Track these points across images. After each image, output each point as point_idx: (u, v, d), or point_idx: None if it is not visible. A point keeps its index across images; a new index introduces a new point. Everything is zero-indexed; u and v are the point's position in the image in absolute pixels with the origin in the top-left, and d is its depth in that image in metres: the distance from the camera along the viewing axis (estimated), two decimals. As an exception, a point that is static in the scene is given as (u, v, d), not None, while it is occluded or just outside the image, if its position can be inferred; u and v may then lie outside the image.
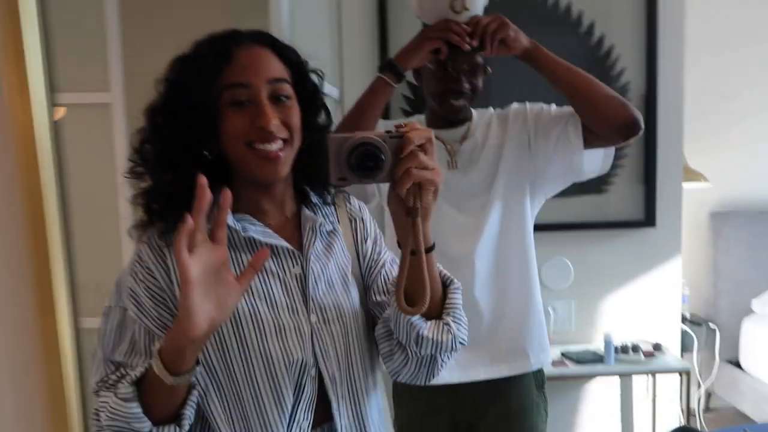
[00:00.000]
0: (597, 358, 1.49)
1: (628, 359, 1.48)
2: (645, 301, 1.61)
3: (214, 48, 0.63)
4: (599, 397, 1.62)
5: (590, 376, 1.54)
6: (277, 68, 0.64)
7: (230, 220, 0.63)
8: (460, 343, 0.64)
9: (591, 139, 0.97)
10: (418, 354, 0.65)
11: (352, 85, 1.57)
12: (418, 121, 1.08)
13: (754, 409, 2.00)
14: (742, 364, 2.12)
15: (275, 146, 0.62)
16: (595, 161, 1.00)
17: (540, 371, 1.04)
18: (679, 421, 1.64)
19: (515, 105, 1.06)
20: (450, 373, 0.97)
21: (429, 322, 0.62)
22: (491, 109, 1.08)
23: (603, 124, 0.95)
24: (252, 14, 1.32)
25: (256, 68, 0.63)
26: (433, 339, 0.62)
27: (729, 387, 2.14)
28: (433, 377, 0.69)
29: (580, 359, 1.50)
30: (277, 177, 0.64)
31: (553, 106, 1.04)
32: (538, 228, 1.60)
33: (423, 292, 0.59)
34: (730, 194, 2.24)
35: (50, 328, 0.43)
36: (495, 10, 1.67)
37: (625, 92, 1.67)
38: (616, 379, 1.58)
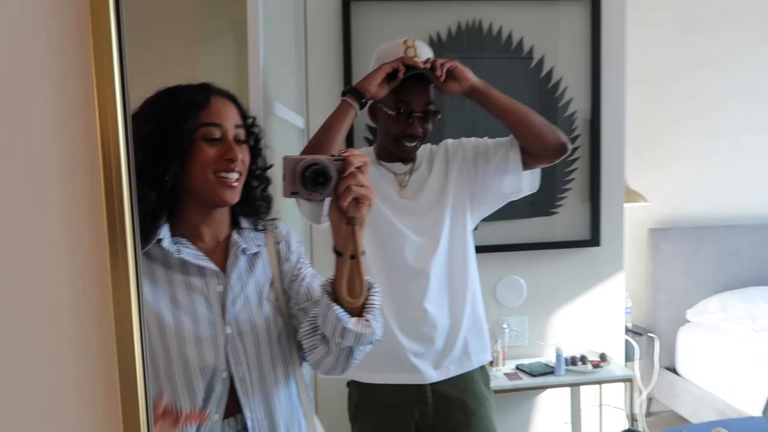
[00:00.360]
0: (549, 370, 1.60)
1: (577, 370, 1.59)
2: (592, 315, 1.73)
3: (195, 93, 0.78)
4: (551, 407, 1.73)
5: (543, 388, 1.64)
6: (238, 117, 0.80)
7: (167, 242, 0.77)
8: (377, 339, 0.76)
9: (529, 162, 1.10)
10: (340, 346, 0.76)
11: (317, 116, 1.64)
12: (367, 152, 1.16)
13: (690, 411, 2.15)
14: (679, 370, 2.28)
15: (234, 176, 0.77)
16: (530, 181, 1.13)
17: (484, 369, 1.14)
18: (628, 421, 1.76)
19: (449, 140, 1.18)
20: (405, 374, 1.06)
21: (353, 318, 0.74)
22: (429, 144, 1.18)
23: (541, 149, 1.09)
24: (225, 45, 1.37)
25: (226, 114, 0.78)
26: (356, 331, 0.74)
27: (667, 392, 2.29)
28: (348, 369, 0.81)
29: (533, 372, 1.60)
30: (232, 201, 0.78)
31: (487, 139, 1.16)
32: (493, 249, 1.71)
33: (361, 286, 0.73)
34: (667, 212, 2.40)
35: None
36: (455, 44, 1.77)
37: (572, 119, 1.80)
38: (567, 389, 1.69)
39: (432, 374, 1.09)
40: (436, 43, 1.70)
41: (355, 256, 0.73)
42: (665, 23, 2.28)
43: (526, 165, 1.11)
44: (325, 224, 1.12)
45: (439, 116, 1.14)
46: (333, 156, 0.72)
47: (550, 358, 1.65)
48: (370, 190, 0.72)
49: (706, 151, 2.38)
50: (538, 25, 1.73)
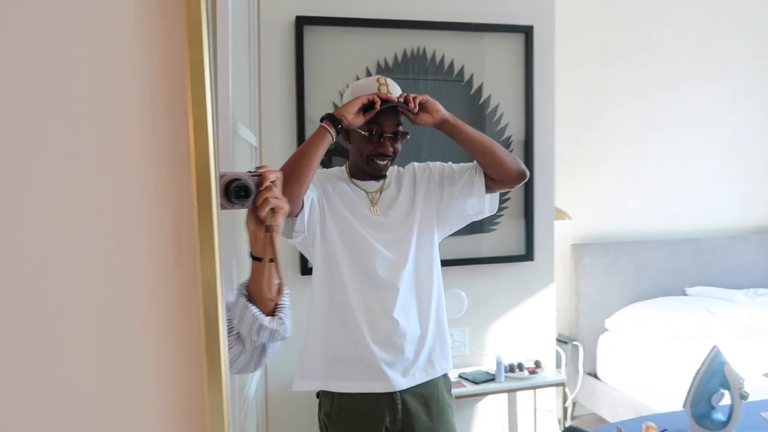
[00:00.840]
0: (489, 378, 1.70)
1: (515, 377, 1.70)
2: (526, 325, 1.86)
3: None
4: (490, 413, 1.83)
5: (484, 394, 1.74)
6: None
7: None
8: (287, 336, 0.84)
9: (492, 186, 1.21)
10: (255, 344, 0.84)
11: (269, 134, 1.68)
12: (339, 172, 1.23)
13: (611, 413, 2.32)
14: (599, 375, 2.46)
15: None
16: (490, 203, 1.23)
17: (446, 377, 1.22)
18: (559, 426, 1.89)
19: (416, 164, 1.27)
20: (377, 383, 1.12)
21: (267, 317, 0.82)
22: (396, 167, 1.27)
23: (504, 176, 1.20)
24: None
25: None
26: (270, 328, 0.82)
27: (590, 396, 2.46)
28: (260, 366, 0.87)
29: (475, 379, 1.69)
30: None
31: (451, 164, 1.26)
32: (436, 263, 1.80)
33: (279, 286, 0.81)
34: (588, 229, 2.59)
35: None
36: (401, 69, 1.85)
37: (509, 142, 1.93)
38: (504, 395, 1.80)
39: (401, 382, 1.16)
40: (383, 68, 1.79)
41: (273, 259, 0.81)
42: (588, 57, 2.48)
43: (489, 189, 1.22)
44: (298, 239, 1.18)
45: (408, 137, 1.22)
46: (251, 172, 0.80)
47: (489, 366, 1.75)
48: (284, 201, 0.79)
49: (622, 175, 2.60)
50: (477, 54, 1.86)
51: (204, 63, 0.46)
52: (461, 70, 1.83)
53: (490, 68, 1.86)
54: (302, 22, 1.69)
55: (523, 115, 1.89)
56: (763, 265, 2.70)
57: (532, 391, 1.79)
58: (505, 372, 1.70)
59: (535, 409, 1.82)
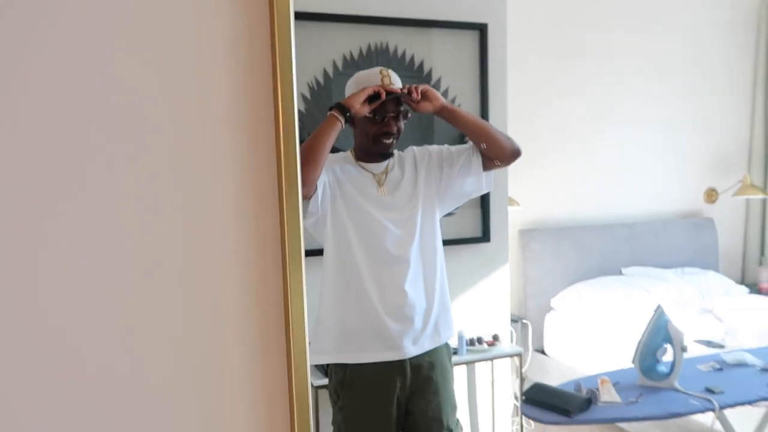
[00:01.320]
0: (453, 351, 1.82)
1: (475, 350, 1.83)
2: (484, 302, 2.00)
3: None
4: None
5: (447, 367, 1.86)
6: None
7: None
8: None
9: (488, 165, 1.32)
10: None
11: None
12: (345, 156, 1.32)
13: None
14: (546, 350, 2.64)
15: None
16: (487, 181, 1.35)
17: (448, 346, 1.34)
18: (514, 399, 2.04)
19: (415, 147, 1.37)
20: (390, 352, 1.22)
21: None
22: (397, 151, 1.37)
23: (499, 153, 1.32)
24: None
25: None
26: None
27: (538, 371, 2.64)
28: None
29: (439, 353, 1.82)
30: None
31: (449, 146, 1.38)
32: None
33: None
34: (535, 215, 2.76)
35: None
36: (365, 62, 1.95)
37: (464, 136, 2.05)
38: (464, 367, 1.93)
39: (411, 350, 1.26)
40: (349, 61, 1.88)
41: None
42: (538, 54, 2.65)
43: (485, 168, 1.34)
44: (311, 220, 1.26)
45: (409, 116, 1.32)
46: None
47: (451, 340, 1.88)
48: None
49: (566, 165, 2.78)
50: (435, 50, 1.97)
51: (292, 53, 0.55)
52: (421, 65, 1.94)
53: (448, 63, 1.97)
54: (272, 16, 1.76)
55: (478, 107, 2.02)
56: (690, 246, 2.96)
57: (489, 364, 1.93)
58: (467, 345, 1.83)
59: (492, 381, 1.96)
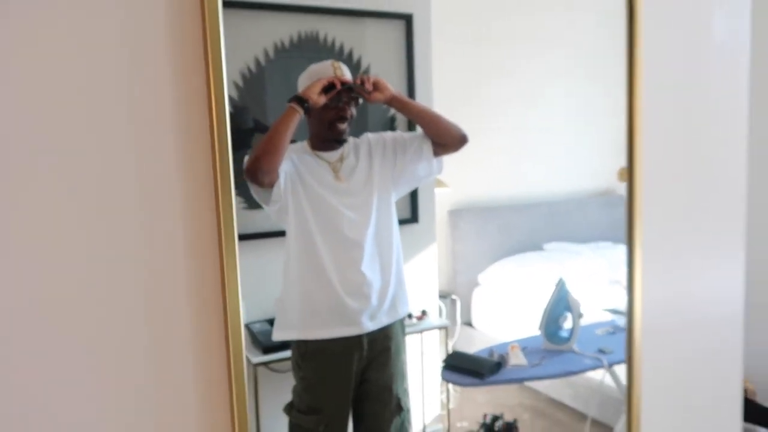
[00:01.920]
0: (404, 330, 1.94)
1: (407, 324, 1.95)
2: (414, 279, 2.11)
3: None
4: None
5: (378, 341, 1.98)
6: None
7: None
8: None
9: (438, 151, 1.44)
10: None
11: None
12: (301, 146, 1.40)
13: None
14: (474, 323, 2.81)
15: None
16: (437, 165, 1.46)
17: (402, 322, 1.45)
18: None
19: (369, 134, 1.47)
20: (348, 328, 1.32)
21: None
22: (352, 138, 1.46)
23: (447, 139, 1.44)
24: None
25: None
26: None
27: (466, 342, 2.80)
28: None
29: (371, 328, 1.92)
30: None
31: (402, 132, 1.48)
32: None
33: None
34: (463, 197, 2.91)
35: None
36: (296, 50, 2.00)
37: (393, 119, 2.15)
38: None
39: (369, 325, 1.38)
40: (280, 49, 1.93)
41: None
42: (461, 41, 2.77)
43: (436, 154, 1.45)
44: (275, 207, 1.32)
45: (360, 102, 1.41)
46: None
47: None
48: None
49: (491, 147, 2.93)
50: (363, 38, 2.05)
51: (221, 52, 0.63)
52: (350, 53, 2.02)
53: (375, 51, 2.06)
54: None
55: (405, 94, 2.11)
56: (604, 222, 3.20)
57: (419, 336, 2.06)
58: None
59: (422, 352, 2.10)
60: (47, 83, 0.63)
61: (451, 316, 2.84)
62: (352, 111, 1.43)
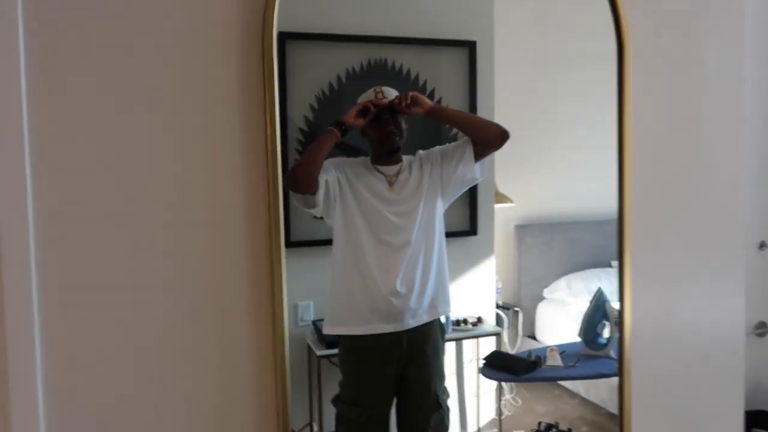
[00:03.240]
0: (444, 333, 2.07)
1: (461, 329, 2.08)
2: (471, 289, 2.24)
3: None
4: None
5: (435, 344, 2.11)
6: None
7: None
8: None
9: (481, 152, 1.58)
10: None
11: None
12: (365, 161, 1.61)
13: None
14: (537, 336, 2.87)
15: None
16: (481, 169, 1.61)
17: (442, 325, 1.61)
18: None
19: (421, 151, 1.64)
20: (389, 325, 1.49)
21: None
22: (409, 156, 1.65)
23: (488, 137, 1.59)
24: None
25: None
26: None
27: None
28: None
29: (429, 331, 2.06)
30: None
31: (448, 144, 1.65)
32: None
33: None
34: (528, 212, 2.99)
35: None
36: (366, 75, 2.21)
37: (456, 138, 2.29)
38: (453, 345, 2.18)
39: (409, 322, 1.54)
40: (351, 75, 2.13)
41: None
42: (524, 64, 2.88)
43: (478, 156, 1.61)
44: (316, 209, 1.54)
45: (407, 115, 1.59)
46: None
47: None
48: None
49: (556, 165, 3.01)
50: (429, 64, 2.22)
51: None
52: (416, 77, 2.19)
53: (440, 75, 2.22)
54: (284, 37, 2.03)
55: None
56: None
57: (474, 342, 2.18)
58: (452, 326, 2.08)
59: (477, 358, 2.21)
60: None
61: (514, 327, 2.91)
62: (400, 124, 1.60)
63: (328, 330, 1.53)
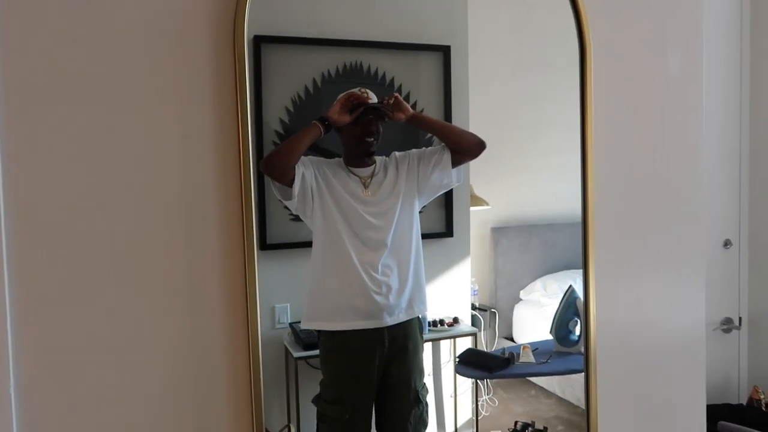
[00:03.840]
0: (422, 331, 2.09)
1: (437, 330, 2.10)
2: (448, 290, 2.26)
3: None
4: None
5: (412, 344, 2.13)
6: None
7: None
8: None
9: (459, 159, 1.61)
10: None
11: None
12: (338, 162, 1.63)
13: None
14: (514, 337, 2.90)
15: None
16: (457, 175, 1.64)
17: (420, 322, 1.62)
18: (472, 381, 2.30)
19: (396, 153, 1.66)
20: (367, 321, 1.50)
21: None
22: (383, 157, 1.67)
23: (466, 146, 1.61)
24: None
25: None
26: None
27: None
28: None
29: (405, 333, 2.08)
30: None
31: (425, 148, 1.67)
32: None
33: None
34: (504, 214, 3.03)
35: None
36: (342, 78, 2.23)
37: (431, 143, 2.32)
38: (429, 345, 2.20)
39: (388, 320, 1.56)
40: (326, 78, 2.15)
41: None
42: (498, 68, 2.92)
43: (457, 163, 1.63)
44: (293, 200, 1.55)
45: (386, 119, 1.62)
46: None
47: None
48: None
49: (532, 168, 3.05)
50: (404, 68, 2.24)
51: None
52: (391, 81, 2.21)
53: (415, 79, 2.25)
54: (259, 41, 2.04)
55: (443, 116, 2.29)
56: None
57: (451, 342, 2.20)
58: (430, 326, 2.10)
59: (454, 358, 2.23)
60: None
61: (491, 329, 2.94)
62: (378, 127, 1.63)
63: (306, 325, 1.55)
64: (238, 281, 1.21)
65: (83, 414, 1.34)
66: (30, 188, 1.30)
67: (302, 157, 1.59)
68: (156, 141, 1.34)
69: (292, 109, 2.10)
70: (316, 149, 1.86)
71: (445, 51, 2.27)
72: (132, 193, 1.31)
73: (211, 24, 1.34)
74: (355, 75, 2.18)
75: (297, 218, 1.85)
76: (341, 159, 1.70)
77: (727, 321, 3.45)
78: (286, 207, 1.77)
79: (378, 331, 1.58)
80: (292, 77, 2.10)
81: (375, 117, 1.62)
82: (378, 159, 1.69)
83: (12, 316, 1.16)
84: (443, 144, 1.68)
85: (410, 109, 1.62)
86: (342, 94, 1.66)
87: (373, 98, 1.64)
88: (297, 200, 1.53)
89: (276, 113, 1.92)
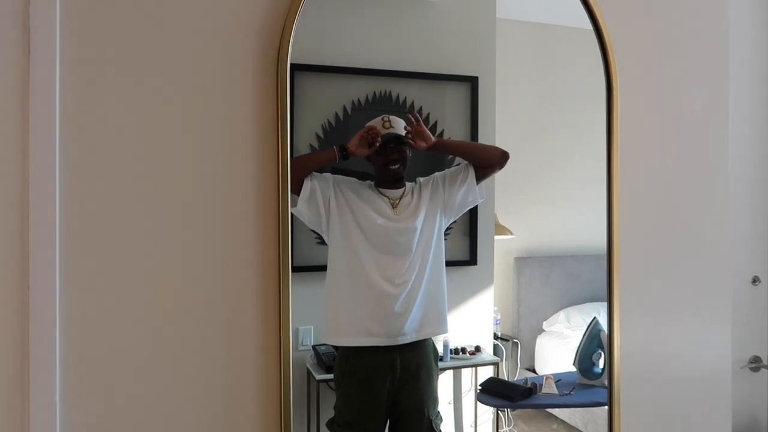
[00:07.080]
0: (438, 358, 2.09)
1: (459, 358, 2.10)
2: (470, 318, 2.27)
3: None
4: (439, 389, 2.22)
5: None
6: None
7: None
8: None
9: (485, 173, 1.64)
10: None
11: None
12: (369, 185, 1.67)
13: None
14: (536, 368, 2.87)
15: None
16: (479, 192, 1.66)
17: (436, 350, 1.63)
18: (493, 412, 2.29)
19: (421, 178, 1.71)
20: (380, 339, 1.52)
21: None
22: (412, 183, 1.71)
23: (490, 159, 1.64)
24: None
25: None
26: None
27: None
28: None
29: (427, 359, 2.09)
30: None
31: (448, 169, 1.71)
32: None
33: None
34: (528, 244, 3.03)
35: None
36: (371, 107, 2.28)
37: (453, 161, 2.35)
38: (450, 373, 2.20)
39: (399, 339, 1.57)
40: (356, 106, 2.20)
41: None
42: (524, 99, 2.96)
43: (482, 177, 1.67)
44: (300, 208, 1.59)
45: (411, 144, 1.66)
46: None
47: (439, 349, 2.15)
48: None
49: (556, 198, 3.06)
50: (432, 97, 2.29)
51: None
52: (420, 110, 2.26)
53: (443, 109, 2.29)
54: (294, 69, 2.10)
55: (469, 147, 2.32)
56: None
57: (472, 371, 2.19)
58: (451, 354, 2.10)
59: (475, 388, 2.22)
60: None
61: (513, 359, 2.92)
62: (403, 153, 1.68)
63: (324, 340, 1.60)
64: (272, 301, 1.25)
65: (118, 417, 1.37)
66: (85, 195, 1.36)
67: (325, 174, 1.65)
68: (201, 162, 1.39)
69: (321, 135, 2.15)
70: (348, 172, 1.92)
71: (473, 81, 2.31)
72: (177, 210, 1.36)
73: (257, 54, 1.41)
74: (385, 103, 2.23)
75: (322, 242, 1.88)
76: (372, 182, 1.75)
77: (756, 359, 3.38)
78: (312, 230, 1.81)
79: (390, 354, 1.61)
80: (323, 104, 2.15)
81: (396, 145, 1.68)
82: (408, 184, 1.76)
83: (60, 321, 1.21)
84: (466, 162, 1.74)
85: (432, 137, 1.68)
86: (363, 128, 1.72)
87: (398, 125, 1.69)
88: (306, 212, 1.59)
89: (306, 139, 1.97)
